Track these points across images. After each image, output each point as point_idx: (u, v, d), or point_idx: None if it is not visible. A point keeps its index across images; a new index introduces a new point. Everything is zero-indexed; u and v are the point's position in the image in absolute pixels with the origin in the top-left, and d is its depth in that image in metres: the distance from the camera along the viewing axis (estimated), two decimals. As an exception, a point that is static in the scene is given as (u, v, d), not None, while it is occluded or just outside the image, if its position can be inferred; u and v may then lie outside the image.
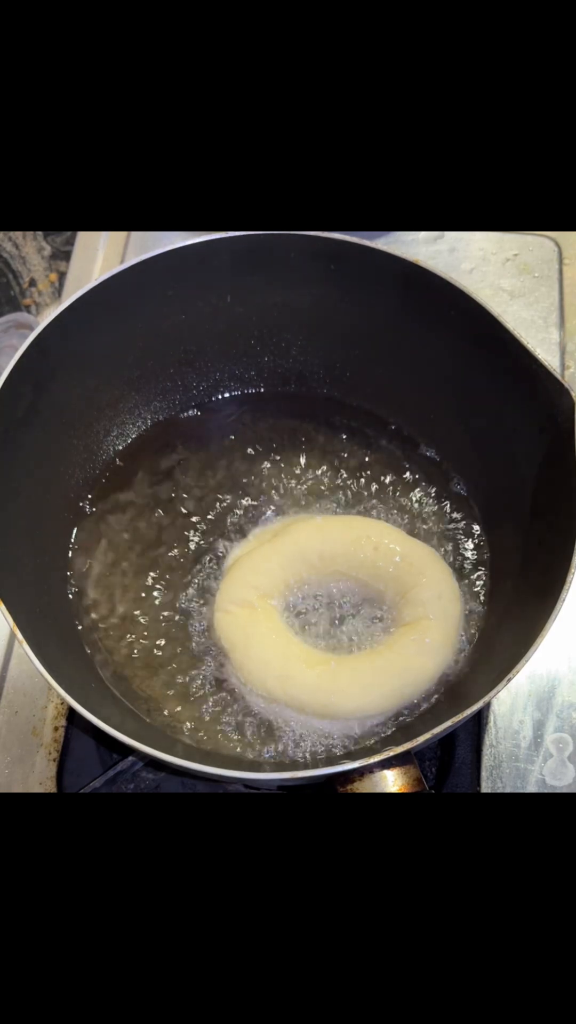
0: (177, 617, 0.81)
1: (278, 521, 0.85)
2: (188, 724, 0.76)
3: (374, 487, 0.87)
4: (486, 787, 0.81)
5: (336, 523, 0.81)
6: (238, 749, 0.75)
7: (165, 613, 0.81)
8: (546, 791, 0.81)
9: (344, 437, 0.89)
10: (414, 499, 0.86)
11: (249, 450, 0.89)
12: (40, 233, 1.14)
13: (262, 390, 0.92)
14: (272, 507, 0.86)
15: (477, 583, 0.81)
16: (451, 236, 1.09)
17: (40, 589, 0.77)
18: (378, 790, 0.63)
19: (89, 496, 0.86)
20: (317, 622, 0.80)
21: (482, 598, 0.80)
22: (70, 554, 0.83)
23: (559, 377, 0.70)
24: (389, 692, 0.74)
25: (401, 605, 0.78)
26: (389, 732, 0.75)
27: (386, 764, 0.63)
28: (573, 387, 0.69)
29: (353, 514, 0.85)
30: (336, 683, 0.74)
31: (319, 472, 0.88)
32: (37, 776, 0.84)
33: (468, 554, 0.83)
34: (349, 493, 0.87)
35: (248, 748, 0.75)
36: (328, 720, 0.74)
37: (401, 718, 0.75)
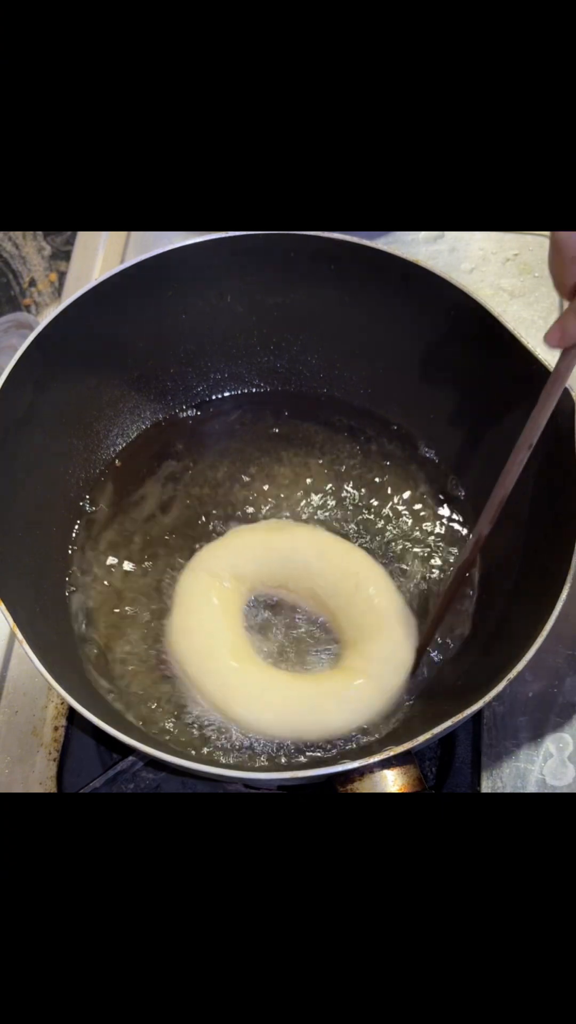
0: (177, 617, 0.81)
1: (283, 518, 0.85)
2: (189, 723, 0.76)
3: (374, 487, 0.87)
4: (486, 787, 0.81)
5: (338, 549, 0.80)
6: (238, 749, 0.75)
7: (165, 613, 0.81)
8: (546, 791, 0.81)
9: (344, 437, 0.89)
10: (414, 498, 0.86)
11: (249, 450, 0.89)
12: (40, 233, 1.14)
13: (262, 390, 0.92)
14: (272, 507, 0.86)
15: (477, 583, 0.81)
16: (451, 236, 1.09)
17: (40, 589, 0.77)
18: (378, 790, 0.63)
19: (89, 496, 0.86)
20: (273, 630, 0.80)
21: (482, 598, 0.80)
22: (70, 554, 0.83)
23: (559, 377, 0.70)
24: (281, 720, 0.73)
25: (350, 647, 0.77)
26: (388, 732, 0.75)
27: (386, 764, 0.63)
28: (573, 387, 0.69)
29: (352, 515, 0.85)
30: (237, 685, 0.74)
31: (319, 472, 0.88)
32: (37, 776, 0.84)
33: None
34: (349, 493, 0.87)
35: (247, 747, 0.75)
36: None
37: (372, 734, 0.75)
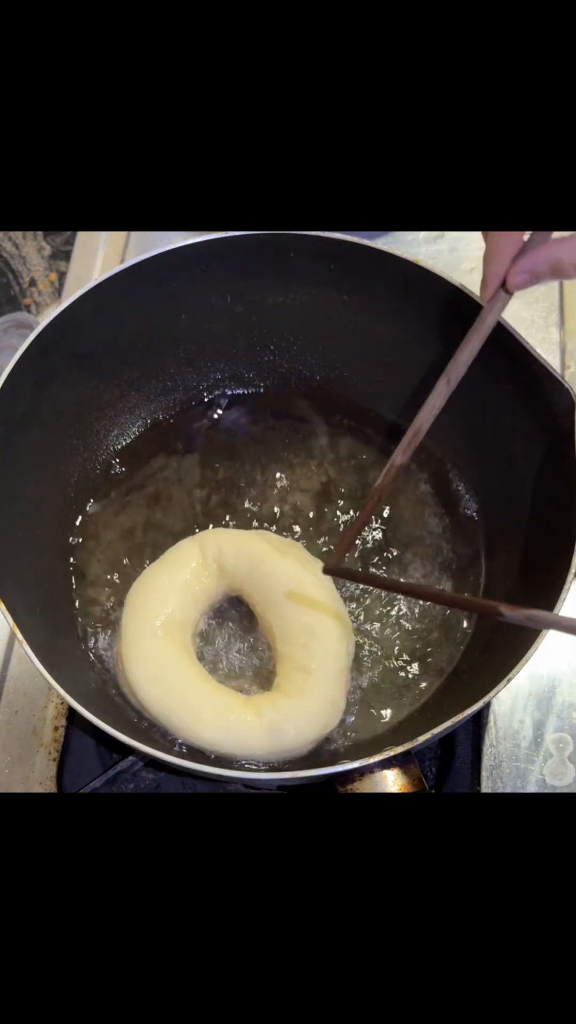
0: (177, 617, 0.81)
1: (280, 518, 0.84)
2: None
3: (374, 487, 0.86)
4: (486, 787, 0.81)
5: (312, 602, 0.76)
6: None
7: (165, 613, 0.81)
8: (546, 791, 0.81)
9: (344, 437, 0.89)
10: (414, 498, 0.86)
11: (249, 450, 0.89)
12: (40, 233, 1.14)
13: (262, 390, 0.92)
14: (271, 507, 0.86)
15: (477, 582, 0.81)
16: (451, 236, 1.09)
17: (40, 589, 0.77)
18: (378, 790, 0.63)
19: (89, 496, 0.86)
20: (225, 627, 0.81)
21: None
22: (70, 554, 0.83)
23: (559, 377, 0.70)
24: (160, 700, 0.73)
25: (272, 688, 0.76)
26: (387, 733, 0.75)
27: (386, 764, 0.63)
28: (573, 387, 0.69)
29: (351, 515, 0.85)
30: (148, 649, 0.75)
31: (319, 472, 0.88)
32: (37, 776, 0.84)
33: (468, 553, 0.83)
34: (349, 493, 0.87)
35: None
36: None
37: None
